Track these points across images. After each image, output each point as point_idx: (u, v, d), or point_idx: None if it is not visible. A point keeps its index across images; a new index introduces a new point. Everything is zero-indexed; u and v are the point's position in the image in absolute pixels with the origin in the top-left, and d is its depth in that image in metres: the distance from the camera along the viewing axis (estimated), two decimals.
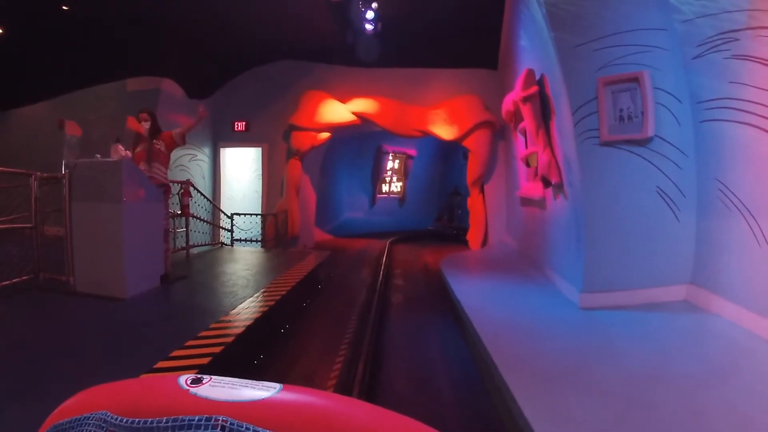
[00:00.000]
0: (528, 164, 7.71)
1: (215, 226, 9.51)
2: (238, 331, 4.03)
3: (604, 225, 4.94)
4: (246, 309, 4.73)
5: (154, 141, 5.95)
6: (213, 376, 0.65)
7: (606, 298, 4.96)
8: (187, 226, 8.07)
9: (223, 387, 0.62)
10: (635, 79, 4.87)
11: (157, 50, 9.71)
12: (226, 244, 9.65)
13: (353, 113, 10.04)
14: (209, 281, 6.24)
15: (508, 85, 8.80)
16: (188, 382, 0.63)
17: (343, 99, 10.35)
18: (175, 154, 10.64)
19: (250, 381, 0.65)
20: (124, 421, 0.58)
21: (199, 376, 0.65)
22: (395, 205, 18.47)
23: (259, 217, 9.57)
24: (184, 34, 9.50)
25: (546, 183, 6.10)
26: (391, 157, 17.37)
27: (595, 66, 5.04)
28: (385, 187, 17.92)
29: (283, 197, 10.82)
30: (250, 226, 10.41)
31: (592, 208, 4.95)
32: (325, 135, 10.41)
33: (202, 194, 8.96)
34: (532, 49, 6.80)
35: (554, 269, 6.03)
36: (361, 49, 9.87)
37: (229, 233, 9.94)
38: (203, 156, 11.71)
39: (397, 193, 18.41)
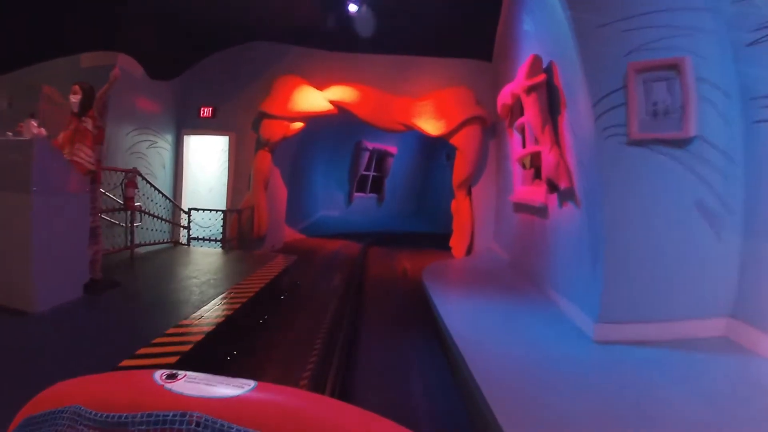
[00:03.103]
0: (524, 166, 6.84)
1: (170, 222, 8.38)
2: (171, 360, 3.10)
3: (628, 242, 4.08)
4: (184, 330, 3.74)
5: (82, 119, 4.86)
6: (188, 372, 0.67)
7: (626, 331, 4.10)
8: (132, 223, 6.95)
9: (198, 383, 0.64)
10: (674, 67, 4.05)
11: (116, 22, 8.54)
12: (181, 244, 8.53)
13: (330, 102, 9.01)
14: (146, 291, 5.18)
15: (503, 78, 7.93)
16: (163, 377, 0.65)
17: (320, 86, 9.30)
18: (132, 139, 9.50)
19: (225, 378, 0.67)
20: (98, 415, 0.59)
21: (174, 371, 0.67)
22: (373, 204, 17.51)
23: (221, 213, 8.45)
24: (149, 7, 8.36)
25: (552, 188, 5.22)
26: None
27: (623, 50, 4.21)
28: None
29: (250, 192, 9.73)
30: (211, 223, 9.29)
31: (615, 221, 4.08)
32: (299, 125, 9.35)
33: (152, 185, 7.81)
34: (539, 33, 5.92)
35: (558, 290, 5.15)
36: (342, 32, 8.87)
37: (188, 231, 8.83)
38: (164, 143, 10.52)
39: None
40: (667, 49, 4.09)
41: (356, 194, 16.81)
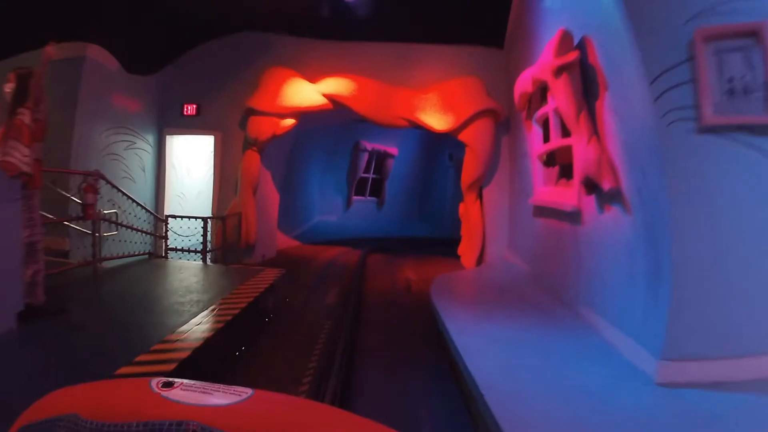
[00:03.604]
0: (547, 163, 5.93)
1: (145, 232, 7.45)
2: None
3: (702, 257, 3.17)
4: (138, 371, 2.89)
5: (18, 111, 3.96)
6: (184, 380, 0.68)
7: (701, 370, 3.19)
8: (94, 234, 6.03)
9: (195, 391, 0.65)
10: (752, 34, 3.19)
11: (88, 11, 7.65)
12: (157, 256, 7.61)
13: (324, 95, 8.08)
14: (98, 318, 4.25)
15: (517, 66, 7.03)
16: (159, 385, 0.66)
17: (313, 78, 8.38)
18: (106, 139, 8.57)
19: (221, 386, 0.69)
20: (95, 424, 0.60)
21: (170, 379, 0.68)
22: (373, 208, 16.60)
23: (203, 221, 7.51)
24: None
25: (589, 188, 4.31)
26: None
27: (686, 14, 3.33)
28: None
29: (237, 197, 8.81)
30: (194, 232, 8.34)
31: (683, 230, 3.17)
32: (290, 122, 8.43)
33: (119, 190, 6.89)
34: (566, 6, 5.02)
35: (599, 312, 4.23)
36: (337, 19, 7.98)
37: (164, 241, 7.90)
38: (144, 144, 9.61)
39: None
40: (741, 12, 3.24)
41: (355, 198, 15.93)
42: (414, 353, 4.74)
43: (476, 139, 7.57)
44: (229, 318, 4.23)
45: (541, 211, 6.06)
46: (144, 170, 9.63)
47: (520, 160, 7.19)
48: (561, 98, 4.48)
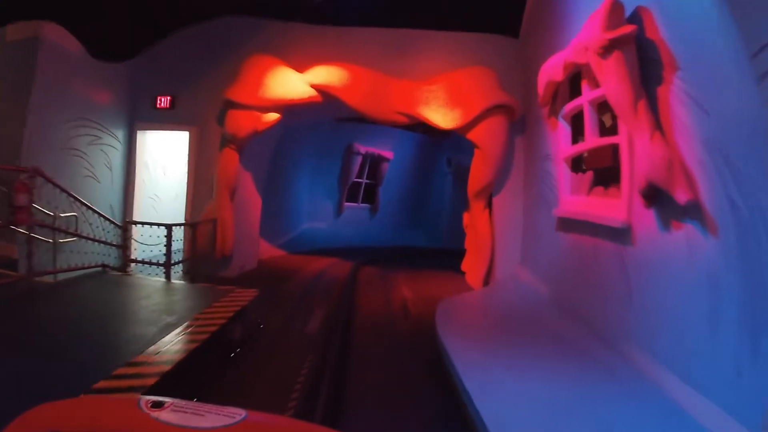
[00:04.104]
0: (576, 168, 4.98)
1: (98, 241, 6.35)
2: None
3: None
4: None
5: None
6: (175, 400, 0.69)
7: None
8: (31, 243, 4.98)
9: (186, 412, 0.67)
10: None
11: None
12: (116, 269, 6.53)
13: (312, 86, 7.05)
14: (10, 353, 3.19)
15: (536, 57, 6.09)
16: (149, 405, 0.69)
17: (301, 67, 7.35)
18: (66, 133, 7.42)
19: (213, 406, 0.70)
20: None
21: (160, 399, 0.69)
22: (366, 215, 15.59)
23: (167, 228, 6.43)
24: None
25: (650, 199, 3.33)
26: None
27: None
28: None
29: (213, 201, 7.77)
30: (164, 241, 7.25)
31: None
32: (273, 116, 7.39)
33: (63, 190, 5.80)
34: None
35: (664, 361, 3.23)
36: (328, 0, 7.01)
37: (124, 252, 6.81)
38: (112, 140, 8.55)
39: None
40: None
41: (347, 204, 14.91)
42: (417, 401, 3.72)
43: (487, 138, 6.58)
44: (178, 359, 3.21)
45: (568, 224, 5.08)
46: (110, 168, 8.55)
47: (539, 164, 6.23)
48: (611, 83, 3.50)
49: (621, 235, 3.84)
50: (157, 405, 0.67)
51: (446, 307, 5.44)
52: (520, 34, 7.12)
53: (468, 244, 7.34)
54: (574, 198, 4.94)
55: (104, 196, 8.15)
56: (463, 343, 4.25)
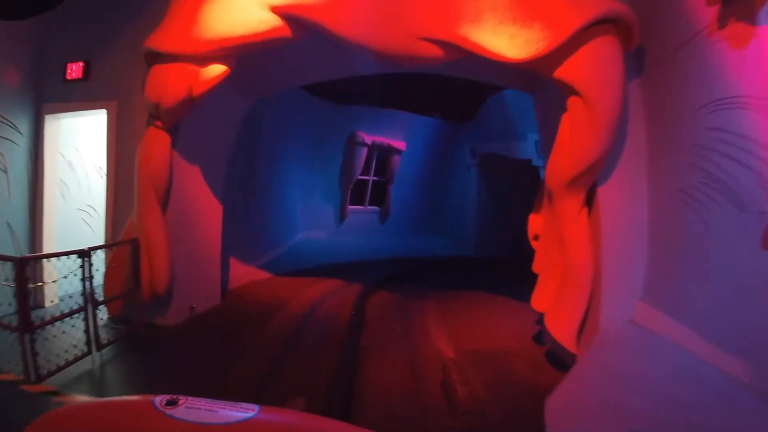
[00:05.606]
0: None
1: None
2: None
3: None
4: None
5: None
6: (189, 398, 0.72)
7: None
8: None
9: (200, 409, 0.69)
10: None
11: None
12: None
13: (274, 10, 4.14)
14: None
15: None
16: (163, 403, 0.70)
17: None
18: None
19: (227, 402, 0.72)
20: None
21: (174, 397, 0.72)
22: (374, 220, 12.86)
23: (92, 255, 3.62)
24: None
25: None
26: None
27: None
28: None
29: (134, 212, 4.97)
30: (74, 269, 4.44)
31: None
32: (218, 69, 4.53)
33: None
34: None
35: None
36: None
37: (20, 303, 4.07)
38: (10, 132, 5.91)
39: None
40: None
41: (351, 207, 12.23)
42: None
43: (593, 77, 3.50)
44: None
45: None
46: (5, 171, 5.87)
47: (699, 123, 3.35)
48: None
49: None
50: (172, 403, 0.67)
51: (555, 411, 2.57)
52: None
53: (541, 266, 4.46)
54: None
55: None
56: None
